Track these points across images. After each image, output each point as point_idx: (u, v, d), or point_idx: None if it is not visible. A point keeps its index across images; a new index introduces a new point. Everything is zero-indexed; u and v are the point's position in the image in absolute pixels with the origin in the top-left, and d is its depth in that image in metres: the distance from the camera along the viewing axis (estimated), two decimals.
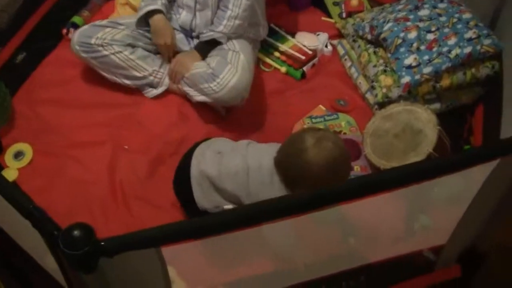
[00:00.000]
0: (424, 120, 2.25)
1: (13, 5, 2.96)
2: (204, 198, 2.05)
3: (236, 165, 1.98)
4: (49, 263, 1.57)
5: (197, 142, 2.20)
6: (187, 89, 2.55)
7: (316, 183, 1.78)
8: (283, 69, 2.79)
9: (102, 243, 1.18)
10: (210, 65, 2.47)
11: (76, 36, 2.59)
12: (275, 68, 2.82)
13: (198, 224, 1.26)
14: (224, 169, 2.00)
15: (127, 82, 2.65)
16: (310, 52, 2.82)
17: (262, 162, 1.94)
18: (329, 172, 1.78)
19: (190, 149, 2.17)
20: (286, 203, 1.33)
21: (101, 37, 2.56)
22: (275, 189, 1.89)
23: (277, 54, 2.83)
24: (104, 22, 2.65)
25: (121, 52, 2.57)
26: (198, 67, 2.50)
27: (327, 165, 1.78)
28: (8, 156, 2.44)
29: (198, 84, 2.47)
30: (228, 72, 2.41)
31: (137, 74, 2.61)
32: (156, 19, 2.58)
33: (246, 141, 2.16)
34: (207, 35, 2.55)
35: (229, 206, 2.00)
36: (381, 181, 1.39)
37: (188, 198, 2.08)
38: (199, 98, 2.49)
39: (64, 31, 2.94)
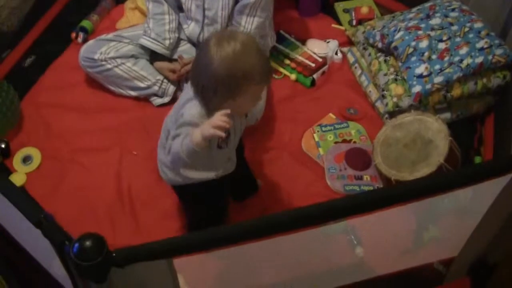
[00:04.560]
0: (435, 130, 2.23)
1: (23, 8, 2.95)
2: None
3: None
4: (56, 268, 1.57)
5: None
6: None
7: (217, 82, 1.63)
8: (293, 76, 2.77)
9: (114, 254, 1.17)
10: None
11: (81, 51, 2.63)
12: (285, 75, 2.81)
13: (210, 235, 1.25)
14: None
15: (133, 93, 2.66)
16: (320, 60, 2.79)
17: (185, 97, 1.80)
18: (228, 69, 1.62)
19: None
20: (298, 215, 1.32)
21: (105, 51, 2.59)
22: (195, 113, 1.72)
23: (287, 61, 2.82)
24: (109, 36, 2.67)
25: (123, 63, 2.60)
26: None
27: (227, 61, 1.61)
28: (17, 160, 2.43)
29: None
30: None
31: (141, 85, 2.63)
32: (158, 65, 2.61)
33: None
34: None
35: None
36: (392, 196, 1.39)
37: None
38: None
39: (73, 35, 2.94)
